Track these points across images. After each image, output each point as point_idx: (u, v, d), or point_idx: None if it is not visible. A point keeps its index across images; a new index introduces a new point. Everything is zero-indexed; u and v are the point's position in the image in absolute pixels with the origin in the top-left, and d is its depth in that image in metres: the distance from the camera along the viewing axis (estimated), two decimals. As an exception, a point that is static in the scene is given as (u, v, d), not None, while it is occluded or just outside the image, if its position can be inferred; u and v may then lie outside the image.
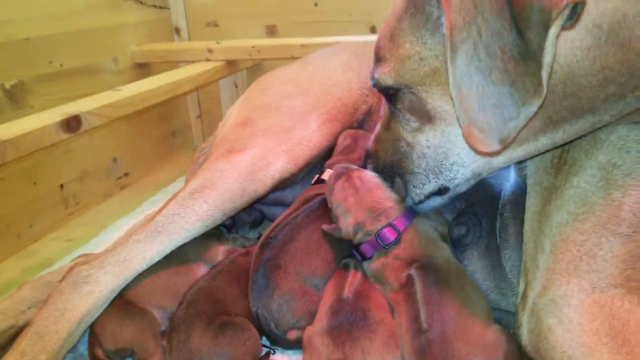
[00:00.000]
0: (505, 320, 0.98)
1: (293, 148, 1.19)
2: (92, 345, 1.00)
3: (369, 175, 1.04)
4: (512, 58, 0.64)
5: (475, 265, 1.04)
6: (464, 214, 1.07)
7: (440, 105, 0.83)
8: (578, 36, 0.68)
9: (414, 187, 0.95)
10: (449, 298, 0.89)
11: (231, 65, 1.99)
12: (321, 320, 0.92)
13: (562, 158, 0.88)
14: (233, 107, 1.40)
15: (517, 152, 0.83)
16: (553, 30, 0.61)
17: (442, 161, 0.89)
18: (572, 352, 0.73)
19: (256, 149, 1.16)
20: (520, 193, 1.00)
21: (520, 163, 1.00)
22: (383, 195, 1.01)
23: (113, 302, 1.01)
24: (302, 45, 1.84)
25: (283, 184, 1.18)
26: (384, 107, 0.99)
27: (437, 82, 0.80)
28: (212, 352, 0.92)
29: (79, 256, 1.23)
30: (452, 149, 0.86)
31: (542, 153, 0.88)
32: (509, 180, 1.06)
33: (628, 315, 0.73)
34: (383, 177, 1.01)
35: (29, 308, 1.05)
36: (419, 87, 0.83)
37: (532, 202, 0.93)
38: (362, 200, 1.02)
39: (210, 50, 1.94)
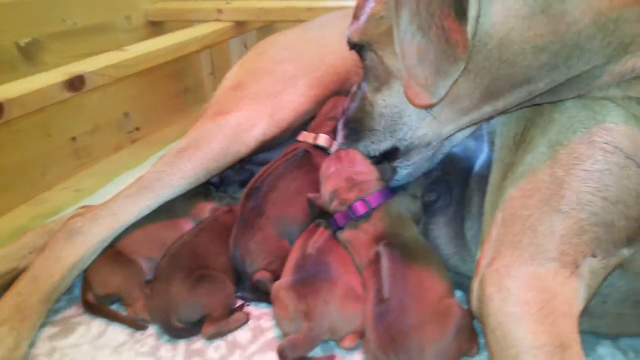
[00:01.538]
0: (465, 283, 1.03)
1: (277, 112, 1.24)
2: (84, 290, 1.09)
3: (356, 151, 1.07)
4: (449, 16, 0.69)
5: (440, 230, 1.09)
6: (436, 181, 1.12)
7: (393, 64, 0.88)
8: (515, 5, 0.72)
9: (371, 142, 1.01)
10: (412, 272, 0.94)
11: (240, 26, 2.02)
12: (286, 275, 0.99)
13: (522, 136, 0.92)
14: (230, 70, 1.44)
15: (463, 120, 0.88)
16: None
17: (396, 120, 0.94)
18: (503, 320, 0.77)
19: (242, 112, 1.22)
20: (488, 166, 1.03)
21: (493, 137, 1.04)
22: (364, 169, 1.05)
23: (105, 252, 1.10)
24: (309, 9, 1.86)
25: (266, 146, 1.24)
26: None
27: (391, 41, 0.84)
28: (188, 301, 1.00)
29: (81, 207, 1.32)
30: (405, 109, 0.92)
31: (487, 119, 0.93)
32: (482, 154, 1.10)
33: (558, 288, 0.77)
34: (346, 131, 1.06)
35: (30, 253, 1.14)
36: (377, 45, 0.89)
37: (493, 176, 0.97)
38: (342, 168, 1.06)
39: (220, 11, 1.98)
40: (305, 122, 1.32)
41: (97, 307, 1.07)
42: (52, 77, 1.33)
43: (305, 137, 1.26)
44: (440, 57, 0.72)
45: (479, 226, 1.02)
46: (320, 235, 1.05)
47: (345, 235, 1.05)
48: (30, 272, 1.03)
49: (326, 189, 1.08)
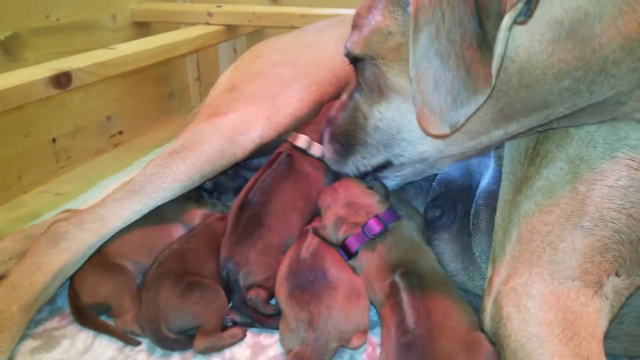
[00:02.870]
0: (473, 301, 1.01)
1: (275, 114, 1.19)
2: (73, 298, 1.02)
3: (350, 180, 1.07)
4: (471, 46, 0.65)
5: (445, 247, 1.05)
6: (440, 197, 1.09)
7: (398, 81, 0.84)
8: (539, 29, 0.68)
9: (362, 157, 0.99)
10: (434, 301, 0.89)
11: (230, 30, 1.98)
12: (282, 285, 0.94)
13: (535, 149, 0.89)
14: (224, 74, 1.40)
15: (469, 143, 0.85)
16: (505, 22, 0.62)
17: (394, 135, 0.91)
18: (525, 341, 0.75)
19: (238, 114, 1.17)
20: (496, 182, 1.01)
21: (500, 152, 1.01)
22: (362, 193, 1.03)
23: (91, 258, 1.03)
24: (303, 15, 1.82)
25: (263, 149, 1.19)
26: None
27: (398, 58, 0.82)
28: (178, 310, 0.94)
29: (64, 211, 1.26)
30: (405, 125, 0.89)
31: (497, 144, 0.90)
32: (488, 169, 1.07)
33: (581, 308, 0.75)
34: (334, 144, 1.03)
35: (10, 259, 1.07)
36: (381, 60, 0.85)
37: (504, 191, 0.94)
38: (340, 196, 1.04)
39: (210, 14, 1.93)
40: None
41: (88, 318, 1.00)
42: (37, 72, 1.26)
43: (291, 137, 1.22)
44: (459, 87, 0.68)
45: (488, 242, 0.99)
46: (314, 239, 1.01)
47: (359, 261, 0.99)
48: (9, 280, 0.96)
49: (329, 218, 1.04)
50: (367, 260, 0.98)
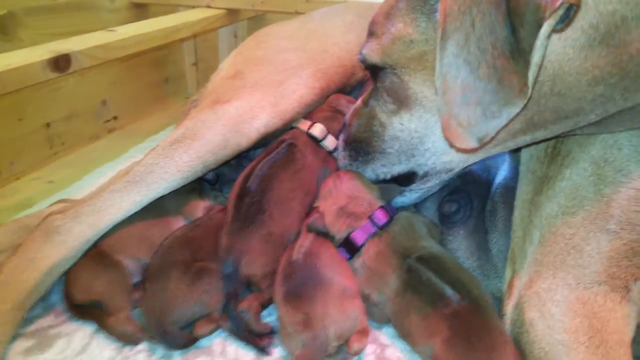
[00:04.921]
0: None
1: (281, 102, 1.14)
2: (68, 294, 0.97)
3: (356, 172, 1.04)
4: (503, 54, 0.61)
5: (460, 243, 1.03)
6: (457, 191, 1.05)
7: (421, 90, 0.81)
8: (572, 35, 0.65)
9: (382, 165, 0.95)
10: (464, 276, 0.88)
11: (232, 14, 1.91)
12: (277, 291, 0.91)
13: (556, 148, 0.87)
14: (226, 59, 1.34)
15: (494, 149, 0.82)
16: (544, 30, 0.58)
17: (416, 146, 0.88)
18: (549, 349, 0.73)
19: (242, 101, 1.11)
20: (513, 178, 0.98)
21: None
22: (364, 186, 1.01)
23: (87, 252, 0.98)
24: (307, 0, 1.77)
25: (268, 139, 1.14)
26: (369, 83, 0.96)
27: (422, 67, 0.79)
28: (189, 300, 0.91)
29: (58, 201, 1.20)
30: (428, 136, 0.85)
31: (520, 148, 0.88)
32: (504, 163, 1.04)
33: (609, 314, 0.73)
34: (350, 152, 1.00)
35: (2, 251, 1.02)
36: (403, 70, 0.81)
37: (523, 190, 0.91)
38: (343, 186, 1.02)
39: (211, -4, 1.87)
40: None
41: (86, 310, 0.95)
42: (35, 54, 1.20)
43: (300, 124, 1.17)
44: (490, 98, 0.64)
45: (505, 241, 0.97)
46: (306, 238, 0.97)
47: (366, 253, 0.96)
48: (1, 277, 0.91)
49: (329, 207, 1.01)
50: (373, 251, 0.95)
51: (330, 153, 1.14)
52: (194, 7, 1.91)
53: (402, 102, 0.85)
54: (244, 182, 1.05)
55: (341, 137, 1.03)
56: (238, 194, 1.04)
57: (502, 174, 1.02)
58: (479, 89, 0.64)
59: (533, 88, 0.64)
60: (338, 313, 0.86)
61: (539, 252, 0.80)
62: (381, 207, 0.98)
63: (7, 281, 0.90)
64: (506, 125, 0.66)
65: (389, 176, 0.96)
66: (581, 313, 0.73)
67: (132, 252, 1.02)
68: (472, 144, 0.68)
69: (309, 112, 1.20)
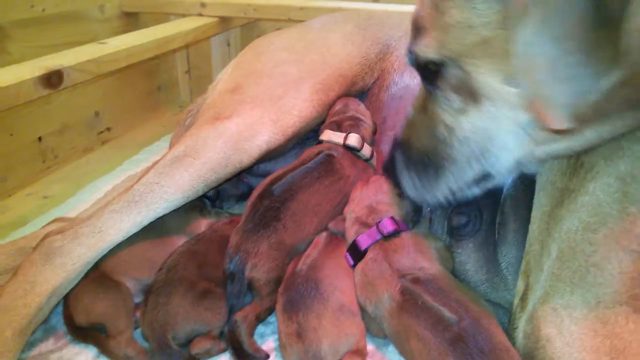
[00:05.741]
0: (497, 313, 0.96)
1: (282, 117, 1.12)
2: (68, 317, 0.95)
3: (383, 180, 1.04)
4: (589, 25, 0.57)
5: (469, 256, 1.00)
6: (467, 204, 1.02)
7: (488, 81, 0.73)
8: None
9: (452, 174, 0.85)
10: (461, 296, 0.85)
11: (224, 22, 1.89)
12: (278, 300, 0.92)
13: (579, 160, 0.82)
14: (224, 71, 1.32)
15: (558, 145, 0.76)
16: None
17: (486, 145, 0.79)
18: None
19: (243, 117, 1.09)
20: (521, 188, 0.96)
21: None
22: (388, 199, 1.01)
23: (87, 274, 0.96)
24: (301, 8, 1.74)
25: (270, 155, 1.12)
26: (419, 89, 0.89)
27: (486, 54, 0.71)
28: (190, 316, 0.90)
29: (54, 220, 1.17)
30: (499, 132, 0.77)
31: (579, 152, 0.81)
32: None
33: (631, 335, 0.70)
34: (416, 168, 0.90)
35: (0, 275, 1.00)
36: (465, 60, 0.73)
37: (542, 202, 0.87)
38: (367, 194, 1.02)
39: (203, 4, 1.84)
40: (313, 129, 1.21)
41: (88, 333, 0.93)
42: (25, 71, 1.17)
43: (331, 136, 1.15)
44: (581, 73, 0.60)
45: (516, 254, 0.95)
46: (314, 248, 0.97)
47: (365, 264, 0.94)
48: (1, 302, 0.88)
49: (351, 213, 1.03)
50: (374, 258, 0.94)
51: (367, 161, 1.14)
52: (185, 15, 1.88)
53: (468, 97, 0.77)
54: (270, 184, 1.04)
55: (399, 158, 0.92)
56: (260, 194, 1.03)
57: (510, 184, 1.00)
58: (568, 64, 0.59)
59: (627, 57, 0.60)
60: (332, 327, 0.85)
61: (557, 267, 0.78)
62: (391, 217, 0.97)
63: (7, 306, 0.88)
64: (602, 101, 0.62)
65: (462, 185, 0.86)
66: (602, 332, 0.71)
67: (134, 273, 1.00)
68: (567, 123, 0.64)
69: (326, 123, 1.20)
